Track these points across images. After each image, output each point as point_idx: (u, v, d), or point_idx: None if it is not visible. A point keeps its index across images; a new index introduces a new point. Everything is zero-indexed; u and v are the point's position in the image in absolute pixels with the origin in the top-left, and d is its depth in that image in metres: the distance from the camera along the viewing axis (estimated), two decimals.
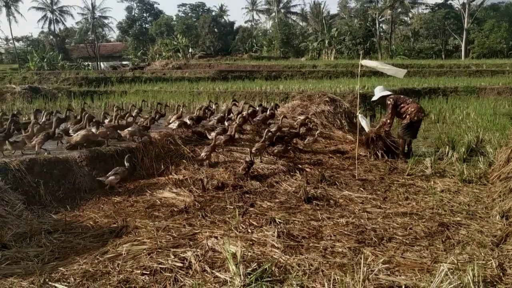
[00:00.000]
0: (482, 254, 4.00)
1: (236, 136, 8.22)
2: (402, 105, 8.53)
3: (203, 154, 7.13)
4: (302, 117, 10.05)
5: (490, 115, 12.68)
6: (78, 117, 8.58)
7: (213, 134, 7.86)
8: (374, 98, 8.99)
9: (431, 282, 3.32)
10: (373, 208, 5.48)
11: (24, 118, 8.24)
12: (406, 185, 6.56)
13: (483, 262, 3.80)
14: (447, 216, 5.13)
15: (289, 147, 8.30)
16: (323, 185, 6.44)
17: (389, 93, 8.74)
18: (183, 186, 6.30)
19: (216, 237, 4.40)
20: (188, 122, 8.51)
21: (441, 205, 5.53)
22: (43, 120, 8.28)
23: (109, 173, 6.18)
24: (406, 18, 61.90)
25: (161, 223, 4.90)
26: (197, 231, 4.63)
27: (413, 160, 7.46)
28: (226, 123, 8.83)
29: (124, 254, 4.03)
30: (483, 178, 6.76)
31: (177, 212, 5.33)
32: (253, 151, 7.26)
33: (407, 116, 8.41)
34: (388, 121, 8.48)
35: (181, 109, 10.19)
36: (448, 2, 56.08)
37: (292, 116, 10.83)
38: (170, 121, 9.00)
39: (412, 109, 8.38)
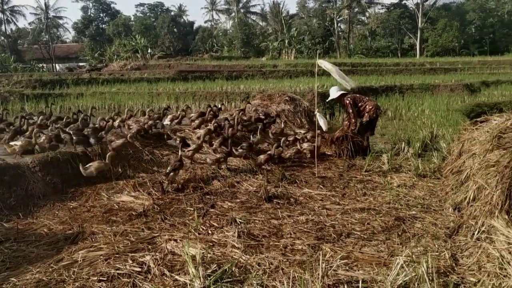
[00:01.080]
0: (436, 245, 4.13)
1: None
2: (360, 104, 8.68)
3: (186, 151, 7.13)
4: (303, 131, 9.80)
5: (444, 111, 13.18)
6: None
7: (240, 150, 7.33)
8: (330, 98, 9.08)
9: (388, 275, 3.39)
10: (332, 205, 5.55)
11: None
12: (364, 181, 6.69)
13: (437, 253, 3.92)
14: (403, 210, 5.26)
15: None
16: (283, 184, 6.47)
17: (345, 92, 8.86)
18: (142, 189, 6.17)
19: (175, 240, 4.34)
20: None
21: (398, 199, 5.68)
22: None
23: (168, 169, 6.20)
24: (363, 18, 63.60)
25: (118, 228, 4.78)
26: (156, 235, 4.55)
27: (370, 157, 7.61)
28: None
29: (80, 261, 3.91)
30: (437, 172, 6.96)
31: (136, 216, 5.20)
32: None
33: (366, 114, 8.57)
34: (353, 120, 8.58)
35: (179, 112, 9.36)
36: (403, 2, 57.86)
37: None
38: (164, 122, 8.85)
39: (370, 107, 8.55)
